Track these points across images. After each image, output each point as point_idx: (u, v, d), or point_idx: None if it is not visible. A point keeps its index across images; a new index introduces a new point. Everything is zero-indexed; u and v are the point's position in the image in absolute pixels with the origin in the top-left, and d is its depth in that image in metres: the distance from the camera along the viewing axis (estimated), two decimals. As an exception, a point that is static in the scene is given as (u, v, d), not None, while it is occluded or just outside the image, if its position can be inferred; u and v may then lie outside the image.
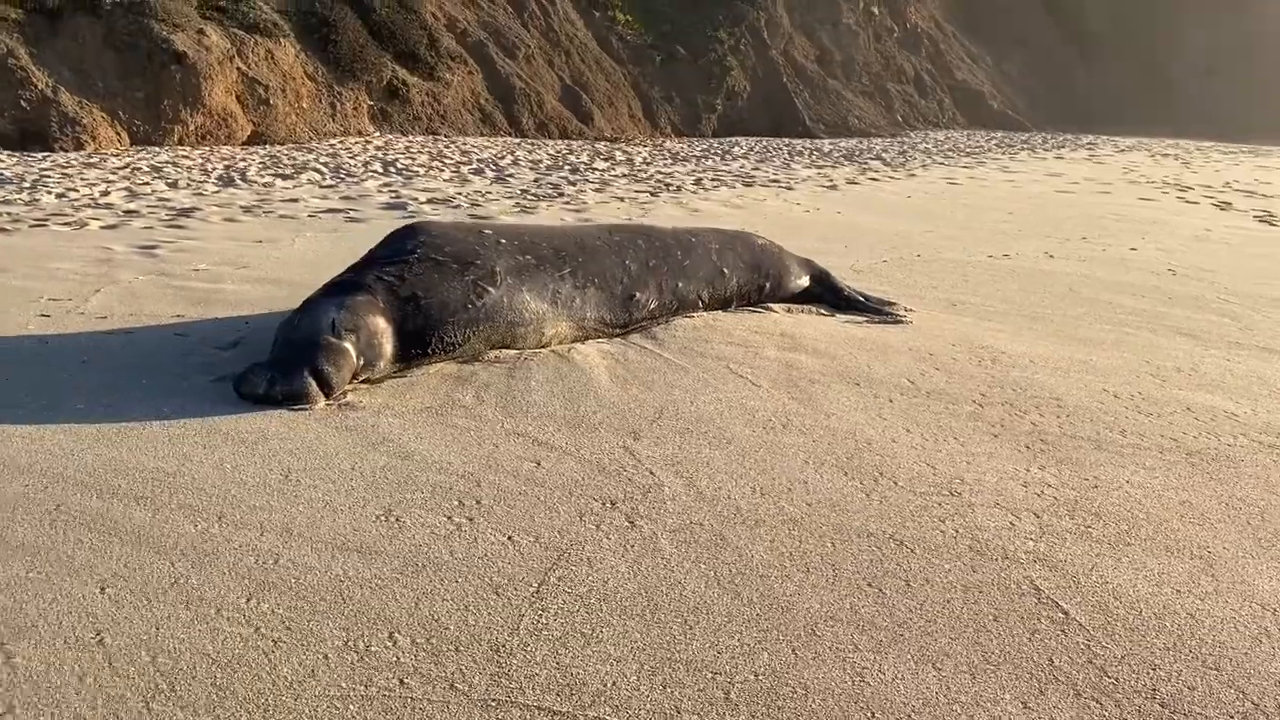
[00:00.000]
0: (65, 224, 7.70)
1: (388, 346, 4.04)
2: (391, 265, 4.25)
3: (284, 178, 11.40)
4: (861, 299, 5.91)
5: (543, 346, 4.55)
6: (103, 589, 2.38)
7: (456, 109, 18.77)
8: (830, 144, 24.11)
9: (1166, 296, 7.06)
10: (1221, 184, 18.04)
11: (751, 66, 26.57)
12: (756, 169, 16.20)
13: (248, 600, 2.37)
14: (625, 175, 13.90)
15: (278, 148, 14.62)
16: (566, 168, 14.48)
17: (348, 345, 3.86)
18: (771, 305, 5.65)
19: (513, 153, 16.13)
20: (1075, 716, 2.11)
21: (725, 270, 5.42)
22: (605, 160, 16.04)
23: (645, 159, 16.88)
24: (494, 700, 2.06)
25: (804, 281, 5.87)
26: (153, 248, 6.88)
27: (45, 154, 12.24)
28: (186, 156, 12.90)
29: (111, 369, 4.14)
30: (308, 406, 3.70)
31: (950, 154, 22.70)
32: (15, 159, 11.62)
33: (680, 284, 5.17)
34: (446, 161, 14.13)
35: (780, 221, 9.81)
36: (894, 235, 9.42)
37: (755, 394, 4.14)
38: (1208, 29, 46.02)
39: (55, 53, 13.57)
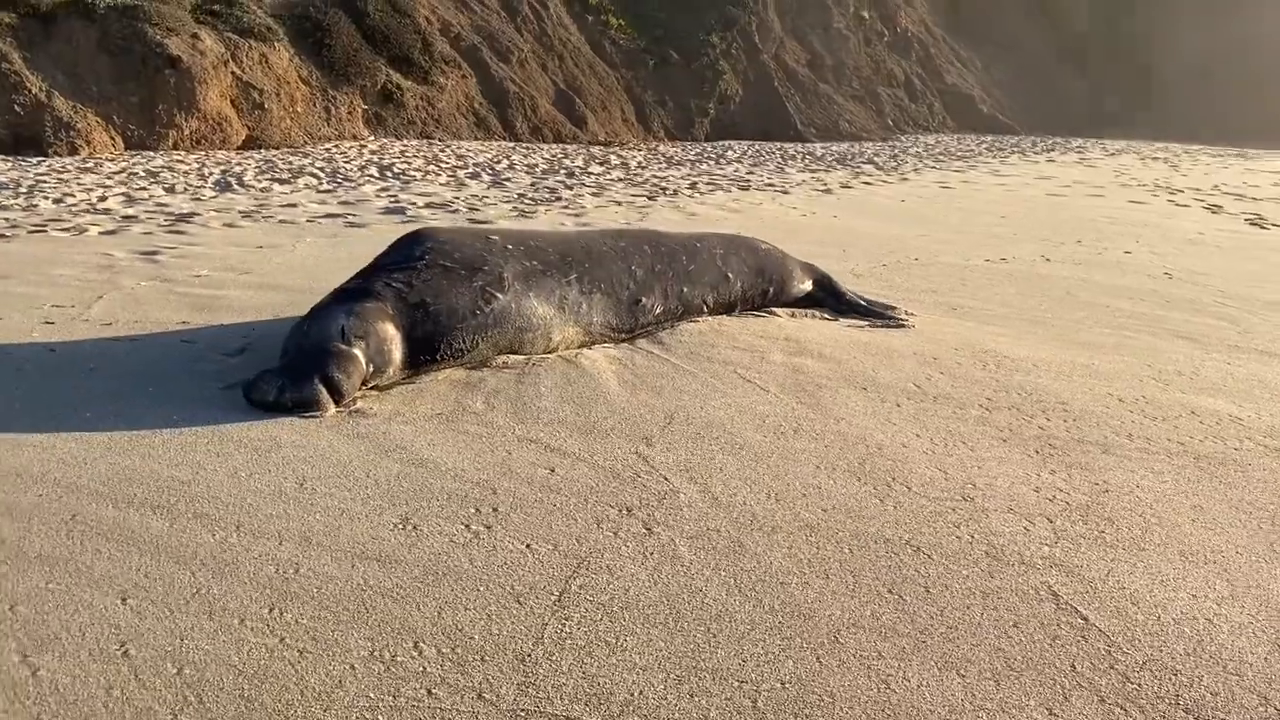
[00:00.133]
0: (64, 230, 7.67)
1: (397, 353, 4.04)
2: (400, 271, 4.25)
3: (281, 182, 11.38)
4: (864, 303, 5.93)
5: (550, 352, 4.55)
6: (124, 600, 2.37)
7: (451, 113, 18.76)
8: (822, 148, 24.18)
9: (1164, 300, 7.11)
10: (1211, 187, 18.15)
11: (743, 70, 26.63)
12: (751, 173, 16.24)
13: (270, 610, 2.36)
14: (621, 179, 13.92)
15: (273, 152, 14.58)
16: (562, 172, 14.49)
17: (358, 352, 3.86)
18: (775, 310, 5.67)
19: (508, 157, 16.13)
20: (1100, 722, 2.13)
21: (730, 275, 5.43)
22: (600, 164, 16.05)
23: (640, 163, 16.90)
24: (523, 710, 2.06)
25: (807, 286, 5.89)
26: (153, 253, 6.86)
27: (40, 159, 12.18)
28: (182, 161, 12.86)
29: (118, 376, 4.13)
30: (318, 414, 3.69)
31: (942, 158, 22.78)
32: (10, 164, 11.57)
33: (685, 289, 5.18)
34: (442, 166, 14.12)
35: (777, 225, 9.83)
36: (890, 239, 9.45)
37: (764, 399, 4.15)
38: (1195, 33, 46.30)
39: (49, 57, 13.52)
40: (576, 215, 10.06)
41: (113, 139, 13.54)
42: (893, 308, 5.97)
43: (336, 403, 3.76)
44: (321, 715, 2.00)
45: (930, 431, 3.87)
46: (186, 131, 14.24)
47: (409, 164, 13.95)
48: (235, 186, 10.83)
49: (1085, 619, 2.53)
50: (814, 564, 2.74)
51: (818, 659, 2.30)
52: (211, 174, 11.73)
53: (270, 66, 15.76)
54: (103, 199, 9.37)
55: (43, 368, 4.20)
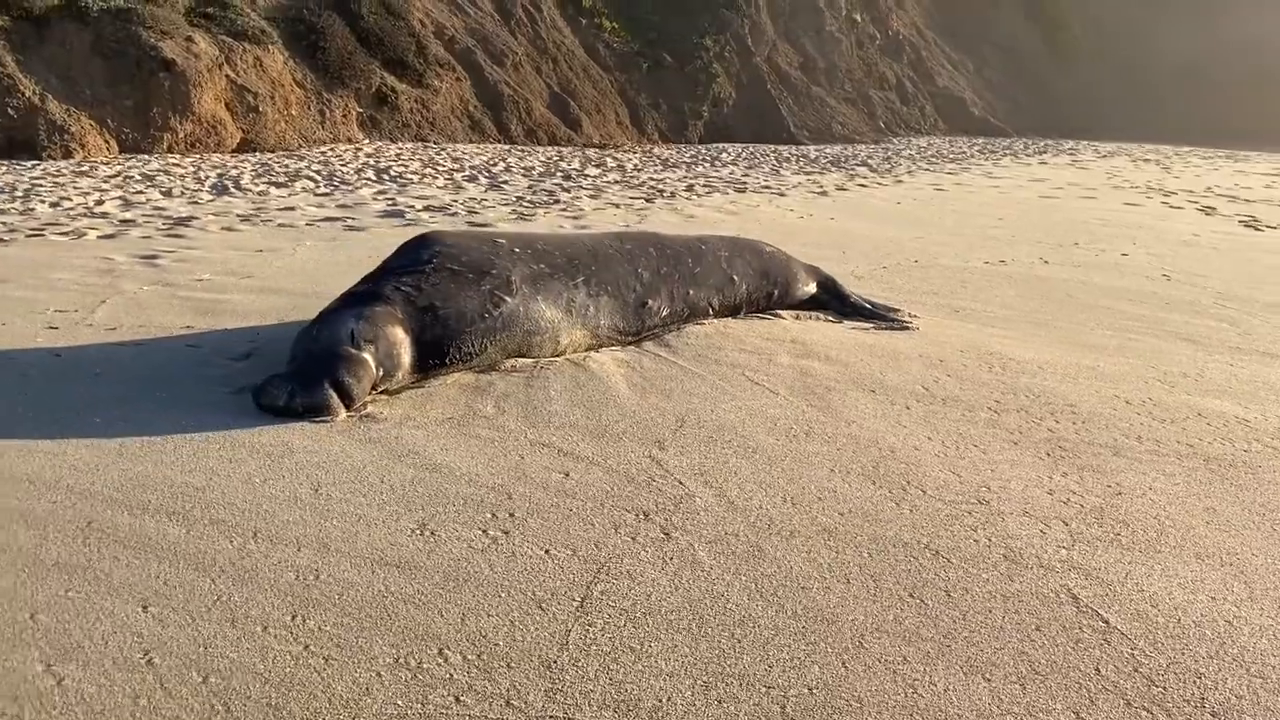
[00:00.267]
0: (62, 234, 7.63)
1: (406, 357, 4.03)
2: (408, 275, 4.24)
3: (278, 186, 11.34)
4: (868, 306, 5.94)
5: (557, 355, 4.54)
6: (145, 608, 2.36)
7: (445, 116, 18.73)
8: (816, 150, 24.22)
9: (1164, 302, 7.13)
10: (1203, 189, 18.23)
11: (736, 73, 26.66)
12: (747, 175, 16.25)
13: (293, 617, 2.35)
14: (618, 182, 13.91)
15: (268, 155, 14.54)
16: (559, 174, 14.48)
17: (367, 356, 3.85)
18: (779, 312, 5.67)
19: (504, 159, 16.12)
20: (1128, 726, 2.13)
21: (735, 278, 5.43)
22: (597, 167, 16.04)
23: (636, 165, 16.90)
24: (551, 717, 2.05)
25: (811, 288, 5.89)
26: (153, 257, 6.82)
27: (34, 162, 12.12)
28: (177, 165, 12.81)
29: (125, 381, 4.10)
30: (329, 419, 3.68)
31: (935, 160, 22.84)
32: (4, 168, 11.51)
33: (691, 291, 5.18)
34: (439, 169, 14.10)
35: (775, 228, 9.84)
36: (887, 241, 9.47)
37: (774, 401, 4.15)
38: (1185, 34, 46.56)
39: (42, 60, 13.45)
40: (575, 218, 10.06)
41: (107, 142, 13.48)
42: (896, 310, 5.99)
43: (347, 407, 3.74)
44: (350, 723, 1.99)
45: (941, 434, 3.87)
46: (181, 135, 14.19)
47: (405, 167, 13.93)
48: (232, 190, 10.79)
49: (1106, 622, 2.53)
50: (834, 568, 2.74)
51: (843, 664, 2.29)
52: (208, 177, 11.69)
53: (264, 69, 15.71)
54: (99, 203, 9.33)
55: (48, 373, 4.18)
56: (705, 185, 14.06)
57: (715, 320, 5.29)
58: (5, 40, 13.22)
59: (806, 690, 2.19)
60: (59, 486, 3.01)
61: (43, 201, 9.18)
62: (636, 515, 3.01)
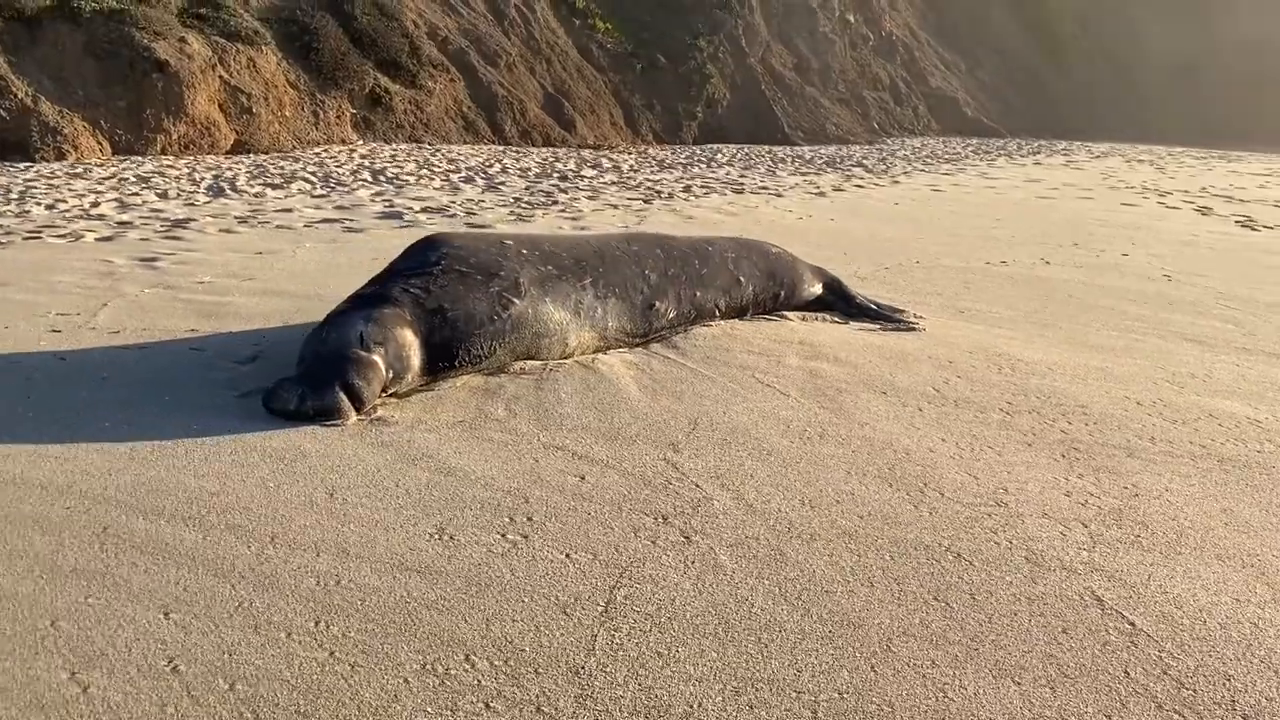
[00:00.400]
0: (60, 236, 7.58)
1: (415, 359, 4.00)
2: (416, 277, 4.21)
3: (274, 187, 11.29)
4: (873, 307, 5.93)
5: (565, 357, 4.52)
6: (166, 614, 2.33)
7: (440, 117, 18.69)
8: (811, 151, 24.24)
9: (1167, 302, 7.14)
10: (1199, 189, 18.30)
11: (730, 74, 26.67)
12: (743, 176, 16.25)
13: (317, 623, 2.32)
14: (615, 183, 13.89)
15: (263, 156, 14.48)
16: (556, 175, 14.45)
17: (377, 358, 3.82)
18: (785, 313, 5.66)
19: (500, 160, 16.08)
20: (1161, 729, 2.12)
21: (741, 279, 5.41)
22: (593, 168, 16.02)
23: (632, 166, 16.88)
24: (582, 723, 2.03)
25: (817, 289, 5.88)
26: (153, 260, 6.78)
27: (27, 164, 12.05)
28: (172, 166, 12.74)
29: (130, 385, 4.07)
30: (340, 422, 3.65)
31: (930, 161, 22.88)
32: (-3, 169, 11.44)
33: (698, 293, 5.16)
34: (435, 170, 14.06)
35: (774, 228, 9.82)
36: (887, 242, 9.47)
37: (786, 403, 4.14)
38: (1178, 34, 46.77)
39: (34, 61, 13.37)
40: (574, 219, 10.04)
41: (100, 144, 13.41)
42: (901, 311, 5.98)
43: (358, 410, 3.71)
44: (379, 731, 1.97)
45: (955, 436, 3.86)
46: (174, 136, 14.12)
47: (401, 168, 13.88)
48: (228, 191, 10.74)
49: (1133, 624, 2.52)
50: (857, 572, 2.73)
51: (872, 668, 2.28)
52: (203, 179, 11.64)
53: (258, 70, 15.65)
54: (95, 205, 9.27)
55: (53, 377, 4.14)
56: (702, 186, 14.05)
57: (722, 322, 5.27)
58: (-2, 41, 13.14)
59: (837, 695, 2.17)
60: (71, 492, 2.97)
61: (38, 204, 9.12)
62: (655, 519, 2.99)
